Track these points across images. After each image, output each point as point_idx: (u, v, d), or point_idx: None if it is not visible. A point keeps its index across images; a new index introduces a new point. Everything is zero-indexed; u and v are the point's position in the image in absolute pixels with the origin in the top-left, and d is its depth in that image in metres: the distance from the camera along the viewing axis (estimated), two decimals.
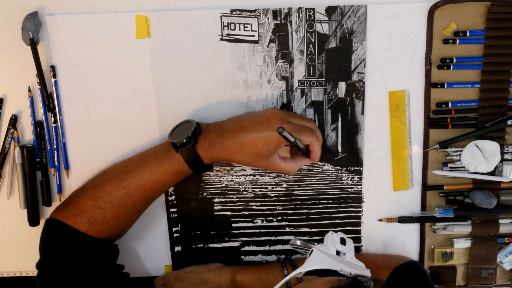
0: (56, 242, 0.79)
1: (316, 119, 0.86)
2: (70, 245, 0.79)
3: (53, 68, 0.83)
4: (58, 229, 0.80)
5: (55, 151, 0.86)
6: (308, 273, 0.65)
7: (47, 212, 0.89)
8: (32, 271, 0.90)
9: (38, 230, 0.86)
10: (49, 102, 0.84)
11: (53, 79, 0.83)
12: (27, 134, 0.87)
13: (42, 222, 0.89)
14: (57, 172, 0.87)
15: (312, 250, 0.67)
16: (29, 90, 0.84)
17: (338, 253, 0.69)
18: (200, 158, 0.78)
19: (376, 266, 0.86)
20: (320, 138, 0.82)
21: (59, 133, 0.85)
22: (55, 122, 0.85)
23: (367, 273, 0.67)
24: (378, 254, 0.91)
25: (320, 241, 0.90)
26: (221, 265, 0.89)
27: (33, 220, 0.88)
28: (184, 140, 0.77)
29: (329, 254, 0.67)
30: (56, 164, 0.87)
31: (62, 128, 0.86)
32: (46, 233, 0.80)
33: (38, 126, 0.85)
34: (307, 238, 0.71)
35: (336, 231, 0.71)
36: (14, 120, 0.85)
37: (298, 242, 0.71)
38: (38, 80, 0.83)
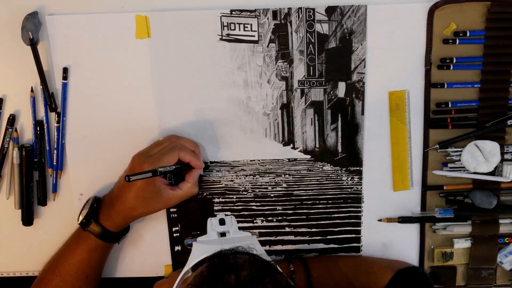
0: None
1: (316, 119, 0.86)
2: None
3: (65, 70, 0.83)
4: None
5: (55, 151, 0.86)
6: (198, 266, 0.63)
7: (42, 211, 0.89)
8: (26, 271, 0.92)
9: (31, 229, 0.89)
10: (51, 102, 0.84)
11: (62, 81, 0.83)
12: (27, 134, 0.87)
13: (35, 222, 0.89)
14: (54, 172, 0.87)
15: (192, 245, 0.68)
16: (32, 91, 0.84)
17: (224, 234, 0.71)
18: (107, 229, 0.82)
19: (380, 266, 0.87)
20: (185, 143, 0.82)
21: (60, 133, 0.85)
22: (58, 122, 0.85)
23: (251, 240, 0.68)
24: (383, 258, 0.91)
25: (322, 241, 0.91)
26: None
27: (26, 220, 0.88)
28: (85, 219, 0.82)
29: (211, 240, 0.69)
30: (54, 164, 0.87)
31: (64, 129, 0.86)
32: None
33: (38, 126, 0.85)
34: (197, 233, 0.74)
35: (215, 215, 0.73)
36: (12, 120, 0.85)
37: (189, 241, 0.71)
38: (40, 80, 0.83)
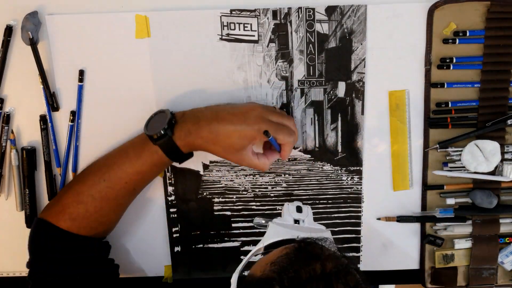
0: (40, 242, 0.80)
1: (316, 119, 0.86)
2: (52, 244, 0.79)
3: (81, 72, 0.83)
4: (43, 228, 0.80)
5: (66, 151, 0.87)
6: (270, 246, 0.65)
7: None
8: (26, 271, 0.91)
9: None
10: (53, 101, 0.84)
11: (78, 83, 0.83)
12: (27, 134, 0.87)
13: None
14: (63, 171, 0.87)
15: (268, 225, 0.68)
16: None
17: (297, 221, 0.70)
18: (179, 148, 0.78)
19: None
20: (297, 138, 0.82)
21: (75, 134, 0.86)
22: (72, 121, 0.85)
23: (326, 234, 0.68)
24: None
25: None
26: None
27: (30, 222, 0.88)
28: (162, 133, 0.77)
29: (286, 225, 0.69)
30: (62, 163, 0.87)
31: (78, 130, 0.86)
32: (33, 232, 0.81)
33: (42, 125, 0.85)
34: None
35: (292, 201, 0.72)
36: (7, 117, 0.85)
37: (263, 221, 0.72)
38: (40, 80, 0.83)
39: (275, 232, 0.66)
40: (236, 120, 0.77)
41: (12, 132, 0.86)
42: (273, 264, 0.58)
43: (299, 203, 0.72)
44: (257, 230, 0.90)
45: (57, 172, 0.88)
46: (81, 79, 0.83)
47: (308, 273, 0.56)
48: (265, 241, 0.65)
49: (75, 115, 0.85)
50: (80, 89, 0.84)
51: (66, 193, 0.81)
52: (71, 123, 0.85)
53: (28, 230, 0.83)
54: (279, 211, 0.90)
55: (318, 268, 0.57)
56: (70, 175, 0.88)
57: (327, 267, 0.57)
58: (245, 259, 0.65)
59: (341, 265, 0.58)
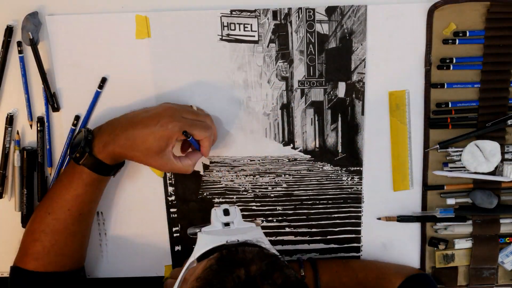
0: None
1: (316, 119, 0.86)
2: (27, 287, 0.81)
3: (103, 79, 0.83)
4: (16, 274, 0.82)
5: (62, 153, 0.87)
6: (204, 256, 0.63)
7: None
8: None
9: None
10: (53, 102, 0.84)
11: (97, 89, 0.84)
12: (28, 135, 0.87)
13: None
14: (56, 172, 0.87)
15: (197, 236, 0.67)
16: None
17: (228, 224, 0.69)
18: (102, 162, 0.78)
19: (390, 272, 0.87)
20: (214, 133, 0.82)
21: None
22: (75, 125, 0.85)
23: (256, 231, 0.67)
24: (393, 263, 0.91)
25: (322, 241, 0.91)
26: None
27: (25, 222, 0.88)
28: (79, 153, 0.78)
29: (216, 231, 0.68)
30: (57, 165, 0.87)
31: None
32: (10, 281, 0.83)
33: (39, 127, 0.85)
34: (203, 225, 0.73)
35: (219, 205, 0.71)
36: (10, 119, 0.85)
37: (197, 230, 0.70)
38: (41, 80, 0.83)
39: (204, 242, 0.64)
40: (150, 122, 0.77)
41: (18, 133, 0.86)
42: (199, 279, 0.58)
43: (226, 206, 0.70)
44: None
45: (49, 173, 0.88)
46: (101, 86, 0.84)
47: (233, 281, 0.56)
48: (196, 253, 0.64)
49: (78, 119, 0.85)
50: (97, 95, 0.84)
51: (24, 236, 0.83)
52: (73, 127, 0.85)
53: (23, 230, 0.84)
54: (279, 211, 0.90)
55: (242, 274, 0.56)
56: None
57: (252, 270, 0.57)
58: (180, 277, 0.64)
59: (267, 265, 0.58)
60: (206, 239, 0.65)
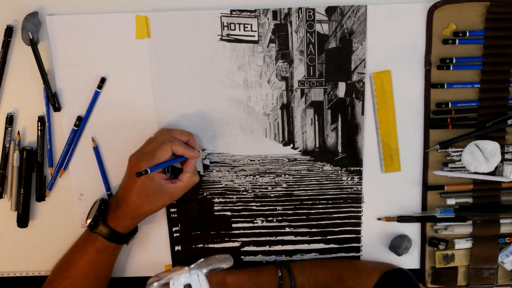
0: None
1: (316, 119, 0.86)
2: None
3: (102, 79, 0.83)
4: None
5: (62, 153, 0.87)
6: None
7: (38, 211, 0.90)
8: (20, 271, 0.93)
9: (28, 230, 0.89)
10: (54, 102, 0.84)
11: (96, 89, 0.84)
12: (28, 135, 0.87)
13: (30, 224, 0.90)
14: (55, 171, 0.87)
15: None
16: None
17: (190, 285, 0.68)
18: (116, 230, 0.82)
19: (366, 269, 0.87)
20: (177, 138, 0.82)
21: (77, 136, 0.86)
22: (77, 126, 0.85)
23: None
24: (369, 260, 0.91)
25: (322, 241, 0.91)
26: None
27: (22, 222, 0.89)
28: (93, 221, 0.82)
29: None
30: (58, 164, 0.87)
31: (81, 132, 0.86)
32: None
33: (40, 127, 0.85)
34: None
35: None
36: (10, 119, 0.85)
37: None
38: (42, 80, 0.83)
39: None
40: (129, 180, 0.81)
41: (18, 133, 0.86)
42: None
43: (188, 280, 0.68)
44: (257, 231, 0.90)
45: (48, 173, 0.88)
46: (100, 86, 0.84)
47: None
48: None
49: (80, 120, 0.85)
50: (97, 95, 0.84)
51: None
52: (75, 128, 0.85)
53: (20, 230, 0.85)
54: (279, 211, 0.90)
55: None
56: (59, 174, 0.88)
57: None
58: None
59: None
60: None
